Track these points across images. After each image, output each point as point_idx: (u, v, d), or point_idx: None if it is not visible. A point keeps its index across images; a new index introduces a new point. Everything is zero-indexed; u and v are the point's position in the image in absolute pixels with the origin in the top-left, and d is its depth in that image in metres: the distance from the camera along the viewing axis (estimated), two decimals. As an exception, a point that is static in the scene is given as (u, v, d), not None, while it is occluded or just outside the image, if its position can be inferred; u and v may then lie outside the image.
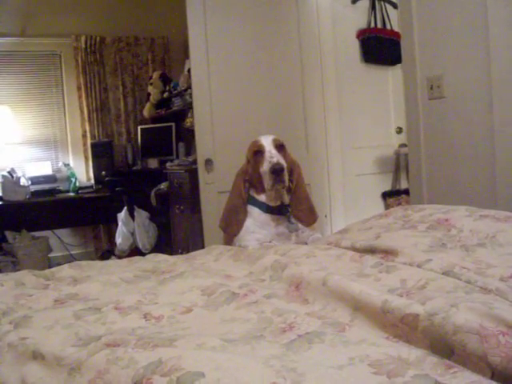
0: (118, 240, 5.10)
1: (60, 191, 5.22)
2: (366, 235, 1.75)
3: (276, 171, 2.06)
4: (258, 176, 2.17)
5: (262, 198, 2.20)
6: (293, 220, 2.20)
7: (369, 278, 1.34)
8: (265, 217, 2.19)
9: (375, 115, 4.51)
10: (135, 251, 4.87)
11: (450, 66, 2.86)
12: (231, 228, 2.24)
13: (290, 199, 2.22)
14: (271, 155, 2.11)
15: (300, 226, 2.22)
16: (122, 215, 5.10)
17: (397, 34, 4.11)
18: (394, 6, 4.35)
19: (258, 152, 2.17)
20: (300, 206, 2.21)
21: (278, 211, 2.19)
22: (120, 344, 1.00)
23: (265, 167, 2.11)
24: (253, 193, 2.24)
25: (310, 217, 2.24)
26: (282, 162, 2.10)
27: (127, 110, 5.90)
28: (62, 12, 5.50)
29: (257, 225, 2.18)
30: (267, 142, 2.16)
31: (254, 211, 2.21)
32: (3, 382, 0.96)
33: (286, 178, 2.10)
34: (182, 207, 4.26)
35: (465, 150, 2.83)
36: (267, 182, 2.10)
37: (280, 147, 2.18)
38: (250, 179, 2.24)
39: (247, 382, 0.82)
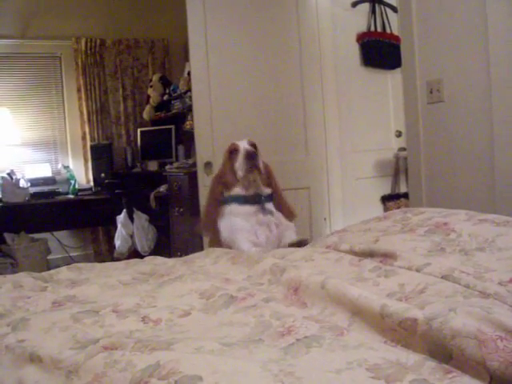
0: (117, 242, 5.10)
1: (59, 193, 5.22)
2: (365, 238, 1.75)
3: (249, 155, 2.21)
4: (233, 173, 2.28)
5: (237, 190, 2.29)
6: (267, 206, 2.29)
7: (367, 282, 1.33)
8: (243, 209, 2.26)
9: (375, 119, 4.51)
10: (134, 254, 4.87)
11: (450, 70, 2.86)
12: (207, 229, 2.38)
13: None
14: (245, 149, 2.25)
15: (275, 211, 2.32)
16: (121, 217, 5.10)
17: (397, 38, 4.12)
18: (394, 9, 4.35)
19: (233, 151, 2.29)
20: (280, 209, 2.36)
21: (253, 200, 2.27)
22: (118, 347, 0.99)
23: (239, 158, 2.24)
24: (228, 192, 2.32)
25: (289, 217, 2.39)
26: (257, 152, 2.26)
27: (127, 113, 5.91)
28: (63, 14, 5.51)
29: (240, 217, 2.26)
30: (242, 143, 2.30)
31: (232, 207, 2.28)
32: (0, 385, 0.96)
33: (260, 163, 2.25)
34: (181, 210, 4.26)
35: (464, 154, 2.83)
36: (242, 168, 2.22)
37: (254, 146, 2.31)
38: (225, 180, 2.33)
39: (245, 385, 0.82)
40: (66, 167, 5.53)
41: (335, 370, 0.88)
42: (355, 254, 1.59)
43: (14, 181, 4.86)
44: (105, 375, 0.90)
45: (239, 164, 2.23)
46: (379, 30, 4.46)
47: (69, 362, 0.97)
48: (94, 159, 5.54)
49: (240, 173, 2.22)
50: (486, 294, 1.14)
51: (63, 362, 0.97)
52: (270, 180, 2.33)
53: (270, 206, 2.30)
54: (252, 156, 2.20)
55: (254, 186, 2.27)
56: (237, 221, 2.24)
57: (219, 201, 2.32)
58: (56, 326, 1.17)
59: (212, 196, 2.35)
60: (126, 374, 0.88)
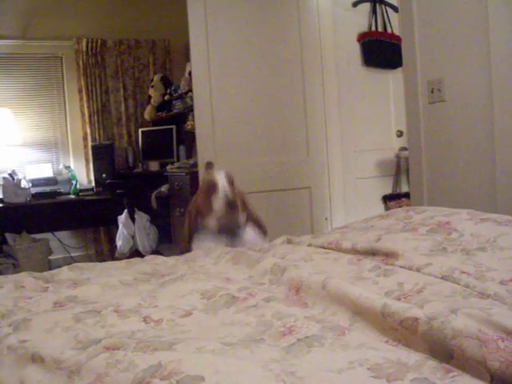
0: (119, 242, 5.10)
1: (61, 193, 5.22)
2: (367, 237, 1.75)
3: (231, 204, 2.25)
4: (211, 208, 2.31)
5: (212, 225, 2.33)
6: (238, 238, 2.33)
7: (366, 281, 1.34)
8: (216, 239, 2.32)
9: (376, 119, 4.51)
10: (135, 254, 4.87)
11: (451, 69, 2.86)
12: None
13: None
14: (225, 189, 2.29)
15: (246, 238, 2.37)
16: (122, 218, 5.10)
17: (397, 38, 4.12)
18: (395, 9, 4.35)
19: (211, 186, 2.33)
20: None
21: (226, 233, 2.32)
22: (119, 347, 1.00)
23: (219, 202, 2.27)
24: (204, 221, 2.37)
25: (262, 235, 2.46)
26: (236, 198, 2.29)
27: (128, 113, 5.91)
28: (64, 15, 5.52)
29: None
30: (220, 178, 2.33)
31: (203, 241, 2.33)
32: (2, 385, 0.96)
33: (239, 208, 2.30)
34: (182, 210, 4.26)
35: (465, 153, 2.83)
36: (221, 211, 2.27)
37: (231, 179, 2.36)
38: (202, 214, 2.38)
39: (246, 385, 0.82)
40: (68, 167, 5.54)
41: (336, 370, 0.89)
42: (357, 251, 1.59)
43: (15, 181, 4.86)
44: (107, 375, 0.90)
45: (219, 208, 2.27)
46: (380, 29, 4.47)
47: (71, 362, 0.97)
48: (95, 159, 5.54)
49: (219, 215, 2.27)
50: (486, 294, 1.14)
51: (65, 362, 0.98)
52: (243, 206, 2.39)
53: (243, 234, 2.35)
54: (233, 206, 2.25)
55: (231, 222, 2.32)
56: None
57: (195, 227, 2.39)
58: (58, 327, 1.17)
59: (188, 224, 2.42)
60: (127, 375, 0.88)
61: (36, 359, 1.01)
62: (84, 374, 0.93)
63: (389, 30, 4.49)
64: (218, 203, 2.27)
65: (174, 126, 5.43)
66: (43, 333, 1.14)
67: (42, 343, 1.08)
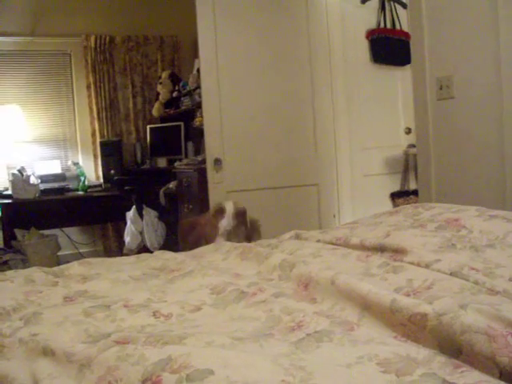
0: (127, 239, 5.11)
1: (69, 190, 5.23)
2: (375, 233, 1.75)
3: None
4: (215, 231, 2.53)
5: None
6: None
7: (375, 277, 1.34)
8: None
9: (384, 116, 4.49)
10: (143, 250, 4.88)
11: (460, 66, 2.85)
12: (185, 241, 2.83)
13: None
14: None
15: None
16: (130, 214, 5.11)
17: (406, 35, 4.10)
18: (404, 6, 4.33)
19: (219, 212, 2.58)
20: None
21: None
22: (129, 341, 1.00)
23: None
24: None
25: None
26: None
27: (136, 109, 5.92)
28: (72, 12, 5.52)
29: None
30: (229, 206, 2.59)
31: None
32: (14, 378, 0.97)
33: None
34: (190, 206, 4.27)
35: (474, 150, 2.82)
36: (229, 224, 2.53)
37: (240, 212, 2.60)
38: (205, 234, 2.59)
39: (256, 379, 0.83)
40: (76, 164, 5.55)
41: (346, 365, 0.89)
42: (365, 248, 1.59)
43: (24, 177, 4.88)
44: (117, 369, 0.91)
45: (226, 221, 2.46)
46: (389, 26, 4.45)
47: (81, 356, 0.98)
48: (103, 156, 5.55)
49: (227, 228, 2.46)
50: (495, 291, 1.14)
51: (76, 355, 0.98)
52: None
53: None
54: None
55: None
56: None
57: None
58: (68, 320, 1.18)
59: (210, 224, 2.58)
60: (138, 368, 0.89)
61: (47, 352, 1.02)
62: (94, 368, 0.94)
63: (397, 27, 4.47)
64: (222, 229, 2.42)
65: (182, 123, 5.43)
66: (54, 326, 1.15)
67: (53, 337, 1.08)
